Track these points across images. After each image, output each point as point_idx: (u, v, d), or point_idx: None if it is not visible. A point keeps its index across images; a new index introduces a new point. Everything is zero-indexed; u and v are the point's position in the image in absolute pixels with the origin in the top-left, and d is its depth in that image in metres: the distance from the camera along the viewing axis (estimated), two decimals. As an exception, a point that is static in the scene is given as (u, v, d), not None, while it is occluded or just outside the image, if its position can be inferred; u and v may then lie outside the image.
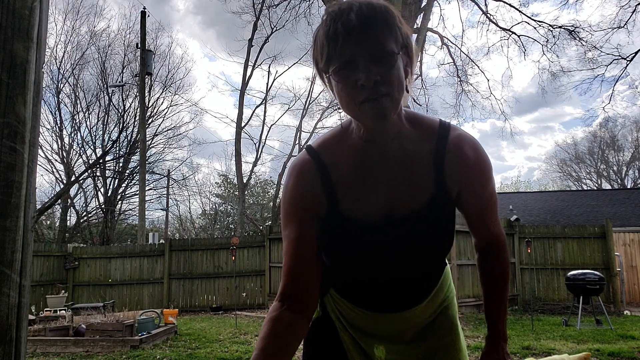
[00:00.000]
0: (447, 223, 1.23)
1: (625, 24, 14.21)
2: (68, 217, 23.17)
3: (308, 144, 1.30)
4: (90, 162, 22.00)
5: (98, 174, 22.38)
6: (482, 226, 1.30)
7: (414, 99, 15.90)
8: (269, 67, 26.46)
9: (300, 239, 1.19)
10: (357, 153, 1.19)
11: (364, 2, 1.05)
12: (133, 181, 23.34)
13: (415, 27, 12.38)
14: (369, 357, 1.36)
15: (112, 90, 22.34)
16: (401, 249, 1.20)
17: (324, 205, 1.21)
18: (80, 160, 22.76)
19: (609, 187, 33.56)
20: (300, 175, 1.22)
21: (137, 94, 20.20)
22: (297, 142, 25.42)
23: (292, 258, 1.18)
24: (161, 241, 18.09)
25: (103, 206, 22.31)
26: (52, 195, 20.91)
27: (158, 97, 23.66)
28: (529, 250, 10.42)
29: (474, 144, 1.22)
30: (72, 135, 22.70)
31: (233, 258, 11.00)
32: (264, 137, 26.92)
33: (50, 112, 21.64)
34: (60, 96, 21.71)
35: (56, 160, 22.15)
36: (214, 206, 32.18)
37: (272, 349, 1.09)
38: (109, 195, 22.35)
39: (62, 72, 21.61)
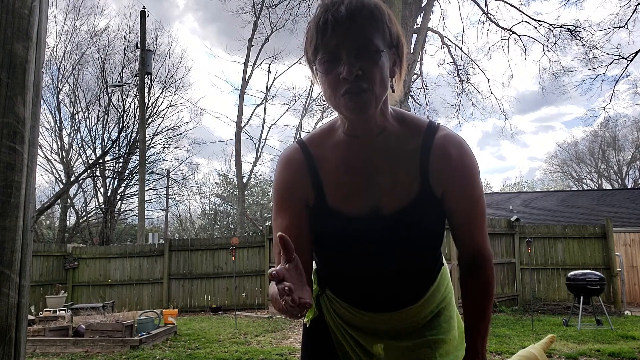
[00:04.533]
0: (434, 221, 1.23)
1: (625, 24, 14.21)
2: (67, 217, 23.21)
3: (299, 137, 1.32)
4: (90, 162, 22.00)
5: (98, 174, 22.39)
6: (465, 235, 1.25)
7: (414, 99, 15.89)
8: (269, 67, 26.53)
9: (291, 228, 1.21)
10: (344, 148, 1.21)
11: None
12: (133, 181, 23.35)
13: (415, 26, 12.37)
14: (368, 353, 1.35)
15: (112, 90, 22.35)
16: (388, 243, 1.21)
17: (311, 196, 1.23)
18: (80, 160, 22.80)
19: (609, 187, 33.57)
20: (288, 165, 1.25)
21: (137, 94, 20.21)
22: (297, 142, 25.50)
23: None
24: (161, 241, 18.09)
25: (103, 206, 22.31)
26: (52, 195, 20.91)
27: (158, 97, 23.69)
28: (529, 251, 10.41)
29: (460, 145, 1.21)
30: (72, 135, 22.74)
31: (233, 258, 11.00)
32: (264, 136, 26.97)
33: (50, 111, 21.67)
34: (59, 96, 21.74)
35: (56, 160, 22.18)
36: (213, 206, 32.20)
37: None
38: (108, 195, 22.35)
39: (62, 71, 21.63)
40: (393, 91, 1.15)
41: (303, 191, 1.22)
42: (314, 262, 1.38)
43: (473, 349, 1.27)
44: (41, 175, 21.96)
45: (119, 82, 22.19)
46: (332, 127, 1.25)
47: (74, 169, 22.16)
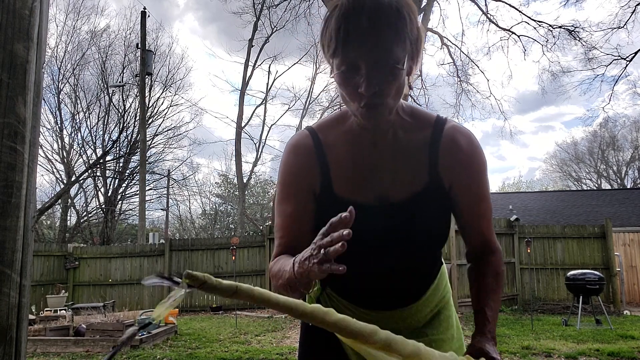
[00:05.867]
0: (441, 214, 1.22)
1: (625, 24, 14.22)
2: (68, 217, 23.21)
3: (308, 125, 1.31)
4: (91, 162, 22.00)
5: (98, 174, 22.39)
6: (474, 229, 1.25)
7: (413, 99, 15.90)
8: (269, 67, 26.56)
9: (295, 214, 1.21)
10: (353, 136, 1.21)
11: (377, 1, 1.03)
12: (133, 181, 23.36)
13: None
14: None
15: (113, 90, 22.36)
16: (393, 236, 1.20)
17: (317, 183, 1.22)
18: (81, 160, 22.81)
19: (608, 187, 33.55)
20: (296, 150, 1.24)
21: (138, 94, 20.21)
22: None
23: (288, 234, 1.21)
24: (161, 241, 18.09)
25: (103, 206, 22.32)
26: (53, 195, 20.92)
27: (158, 97, 23.70)
28: (528, 250, 10.42)
29: (469, 137, 1.22)
30: (73, 135, 22.75)
31: (233, 258, 11.01)
32: (264, 137, 26.98)
33: (51, 112, 21.70)
34: (60, 96, 21.75)
35: (56, 160, 22.20)
36: (214, 206, 32.20)
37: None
38: (109, 195, 22.35)
39: (62, 72, 21.65)
40: (411, 88, 1.15)
41: (310, 178, 1.21)
42: None
43: (483, 327, 1.16)
44: (42, 175, 21.99)
45: (120, 82, 22.21)
46: (343, 116, 1.24)
47: (74, 169, 22.18)
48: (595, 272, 8.60)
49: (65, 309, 9.90)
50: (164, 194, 26.66)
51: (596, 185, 34.81)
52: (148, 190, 21.77)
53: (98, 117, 22.70)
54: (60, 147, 22.26)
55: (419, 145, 1.20)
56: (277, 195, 1.26)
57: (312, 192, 1.22)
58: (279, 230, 1.24)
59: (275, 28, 23.24)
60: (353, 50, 1.03)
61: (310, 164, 1.22)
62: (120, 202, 23.56)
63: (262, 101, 26.39)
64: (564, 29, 14.37)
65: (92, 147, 22.86)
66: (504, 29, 15.15)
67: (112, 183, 22.78)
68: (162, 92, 23.79)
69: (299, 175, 1.22)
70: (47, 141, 22.01)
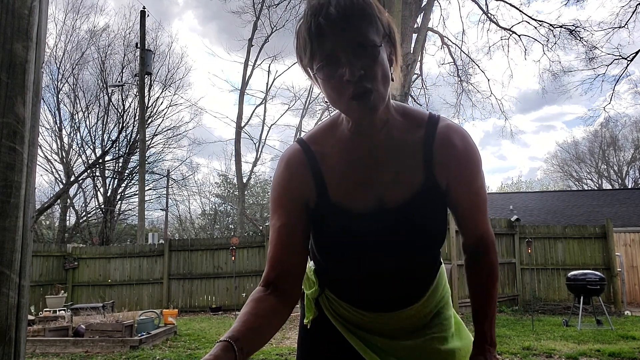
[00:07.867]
0: (438, 213, 1.22)
1: (626, 24, 14.23)
2: (67, 217, 23.21)
3: (299, 136, 1.30)
4: (90, 162, 22.00)
5: (97, 174, 22.39)
6: (470, 223, 1.27)
7: (414, 99, 15.90)
8: (269, 67, 26.64)
9: (285, 227, 1.19)
10: (346, 143, 1.20)
11: None
12: (132, 181, 23.36)
13: (415, 26, 12.37)
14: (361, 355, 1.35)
15: (112, 89, 22.36)
16: (392, 238, 1.19)
17: (312, 194, 1.21)
18: (80, 160, 22.79)
19: (609, 187, 33.57)
20: (289, 164, 1.23)
21: (137, 94, 20.20)
22: (297, 142, 25.64)
23: (276, 246, 1.19)
24: (161, 241, 18.08)
25: (102, 206, 22.31)
26: (52, 195, 20.92)
27: (158, 97, 23.69)
28: (529, 251, 10.42)
29: (462, 134, 1.21)
30: (72, 135, 22.74)
31: (233, 258, 11.00)
32: (264, 136, 26.99)
33: (50, 111, 21.68)
34: (59, 96, 21.74)
35: (55, 160, 22.17)
36: (213, 206, 32.20)
37: (254, 324, 1.11)
38: (108, 195, 22.35)
39: (61, 71, 21.64)
40: (393, 80, 1.13)
41: (302, 190, 1.21)
42: (312, 263, 1.38)
43: (482, 333, 1.28)
44: (41, 175, 21.99)
45: (119, 82, 22.20)
46: (334, 123, 1.24)
47: (73, 169, 22.16)
48: (596, 273, 8.60)
49: (64, 310, 9.89)
50: (164, 194, 26.68)
51: (597, 185, 34.83)
52: (147, 190, 21.77)
53: (97, 116, 22.72)
54: (59, 147, 22.26)
55: (413, 145, 1.19)
56: (270, 209, 1.26)
57: (303, 204, 1.21)
58: (270, 243, 1.22)
59: (275, 27, 23.29)
60: (328, 41, 1.03)
61: (302, 176, 1.21)
62: (119, 202, 23.57)
63: (262, 101, 26.41)
64: (564, 28, 14.38)
65: (91, 147, 22.87)
66: (505, 29, 15.16)
67: (111, 183, 22.78)
68: (162, 92, 23.82)
69: (289, 189, 1.21)
70: (46, 141, 22.02)
